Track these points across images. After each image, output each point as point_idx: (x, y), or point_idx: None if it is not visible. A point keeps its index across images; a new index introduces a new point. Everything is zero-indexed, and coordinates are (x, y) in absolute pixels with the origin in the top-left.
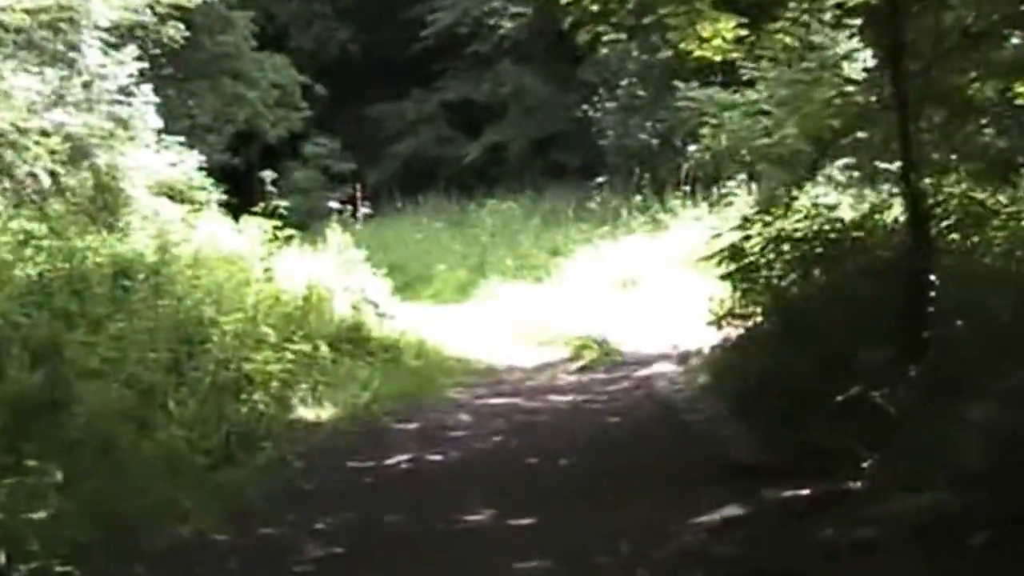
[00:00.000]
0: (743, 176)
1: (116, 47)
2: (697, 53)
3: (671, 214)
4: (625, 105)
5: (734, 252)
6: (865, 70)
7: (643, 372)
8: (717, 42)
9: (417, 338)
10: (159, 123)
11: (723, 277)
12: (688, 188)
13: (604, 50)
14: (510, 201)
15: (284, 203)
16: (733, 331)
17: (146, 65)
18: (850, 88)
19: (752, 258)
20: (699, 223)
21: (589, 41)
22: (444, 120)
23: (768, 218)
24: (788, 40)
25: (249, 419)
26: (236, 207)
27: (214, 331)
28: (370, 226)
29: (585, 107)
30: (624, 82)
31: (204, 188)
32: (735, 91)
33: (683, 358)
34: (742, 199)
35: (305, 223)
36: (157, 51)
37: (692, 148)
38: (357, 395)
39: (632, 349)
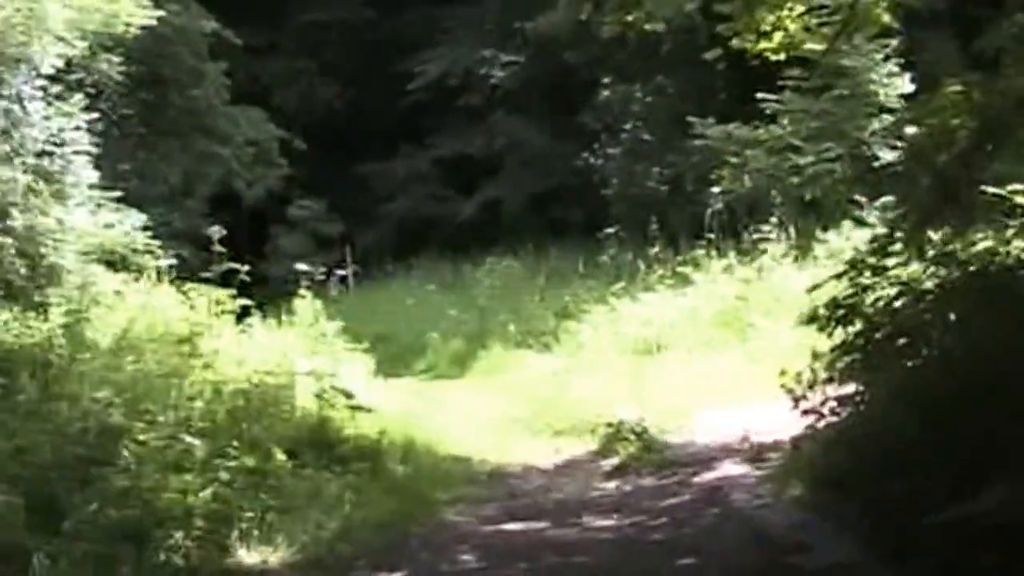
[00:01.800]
0: (775, 220)
1: (61, 97)
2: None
3: (694, 266)
4: (630, 150)
5: (845, 309)
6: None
7: (706, 477)
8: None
9: (404, 433)
10: (93, 176)
11: (838, 347)
12: (712, 236)
13: (605, 93)
14: (510, 259)
15: (239, 266)
16: (819, 413)
17: (96, 116)
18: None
19: (868, 316)
20: (728, 275)
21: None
22: (436, 178)
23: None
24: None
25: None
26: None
27: (123, 447)
28: (359, 293)
29: (586, 155)
30: (628, 126)
31: (150, 252)
32: (756, 127)
33: (756, 455)
34: (776, 245)
35: (292, 292)
36: (128, 111)
37: (715, 190)
38: (321, 526)
39: (680, 439)
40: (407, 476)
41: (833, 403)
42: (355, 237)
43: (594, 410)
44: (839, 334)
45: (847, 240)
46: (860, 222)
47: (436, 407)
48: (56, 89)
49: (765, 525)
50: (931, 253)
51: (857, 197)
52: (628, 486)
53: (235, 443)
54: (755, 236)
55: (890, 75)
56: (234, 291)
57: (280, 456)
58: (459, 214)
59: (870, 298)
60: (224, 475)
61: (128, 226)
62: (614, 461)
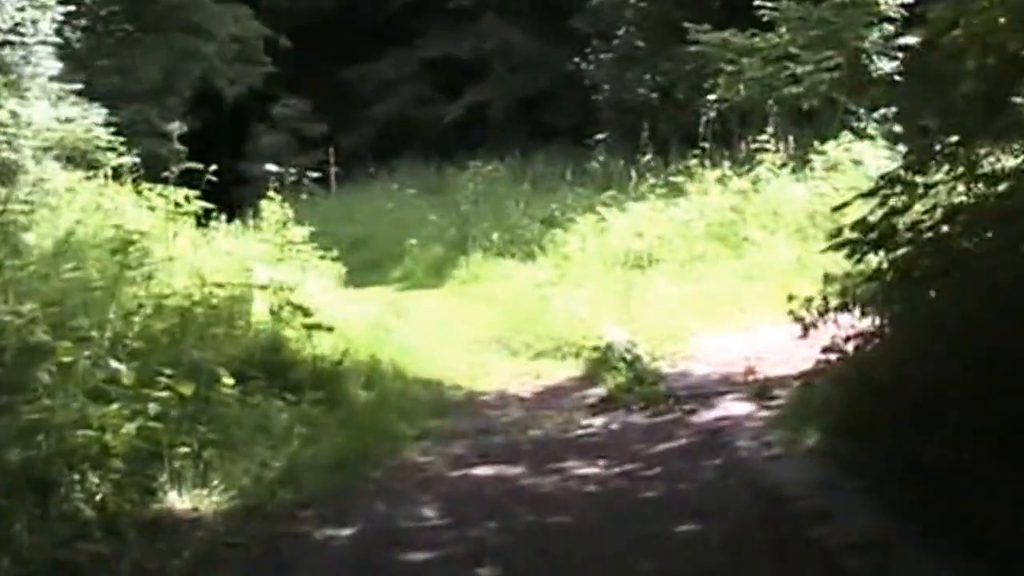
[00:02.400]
0: (770, 130)
1: None
2: None
3: (687, 176)
4: (622, 56)
5: (879, 231)
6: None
7: (705, 416)
8: None
9: (369, 353)
10: (54, 69)
11: (872, 273)
12: (706, 145)
13: None
14: (495, 164)
15: (199, 165)
16: (838, 349)
17: (72, 8)
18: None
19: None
20: (722, 186)
21: None
22: (423, 80)
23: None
24: None
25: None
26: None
27: (42, 371)
28: (339, 195)
29: (577, 60)
30: (620, 31)
31: (112, 149)
32: (753, 35)
33: (762, 390)
34: (772, 156)
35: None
36: (115, 7)
37: (711, 98)
38: (266, 464)
39: (674, 368)
40: (369, 405)
41: (852, 335)
42: (339, 138)
43: (579, 330)
44: (870, 259)
45: (845, 151)
46: (858, 133)
47: (409, 321)
48: None
49: (777, 483)
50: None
51: (854, 107)
52: (616, 424)
53: (171, 367)
54: (751, 146)
55: None
56: (195, 192)
57: (226, 381)
58: (445, 117)
59: (905, 220)
60: (152, 406)
61: (90, 121)
62: (601, 391)
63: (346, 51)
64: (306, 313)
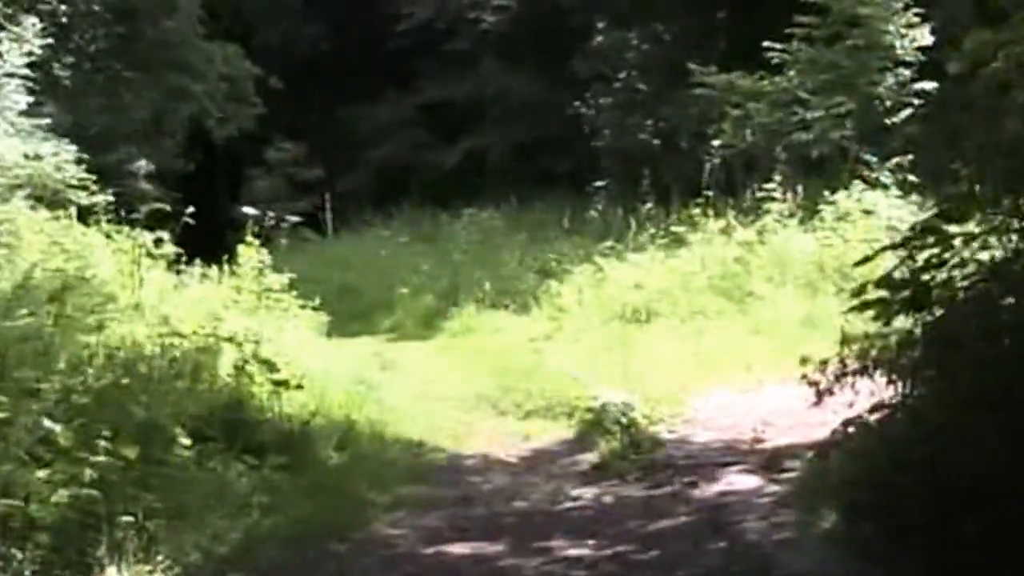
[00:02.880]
0: (777, 178)
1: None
2: None
3: (689, 226)
4: (623, 101)
5: (912, 290)
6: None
7: (708, 490)
8: None
9: (345, 411)
10: (23, 103)
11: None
12: (709, 193)
13: (599, 38)
14: (491, 212)
15: (165, 206)
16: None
17: (51, 41)
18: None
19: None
20: (726, 237)
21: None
22: (421, 124)
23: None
24: None
25: None
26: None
27: None
28: (332, 242)
29: (577, 104)
30: (622, 74)
31: (84, 187)
32: (761, 78)
33: (770, 461)
34: (779, 205)
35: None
36: (104, 45)
37: (716, 143)
38: (219, 537)
39: (674, 432)
40: (339, 469)
41: (876, 405)
42: (335, 183)
43: (573, 388)
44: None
45: (857, 202)
46: (870, 182)
47: (394, 375)
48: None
49: (789, 573)
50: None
51: (867, 156)
52: (609, 496)
53: (120, 426)
54: (757, 194)
55: (907, 26)
56: (166, 234)
57: (183, 442)
58: (442, 162)
59: (939, 276)
60: (90, 471)
61: (61, 159)
62: (593, 457)
63: (341, 94)
64: (272, 368)
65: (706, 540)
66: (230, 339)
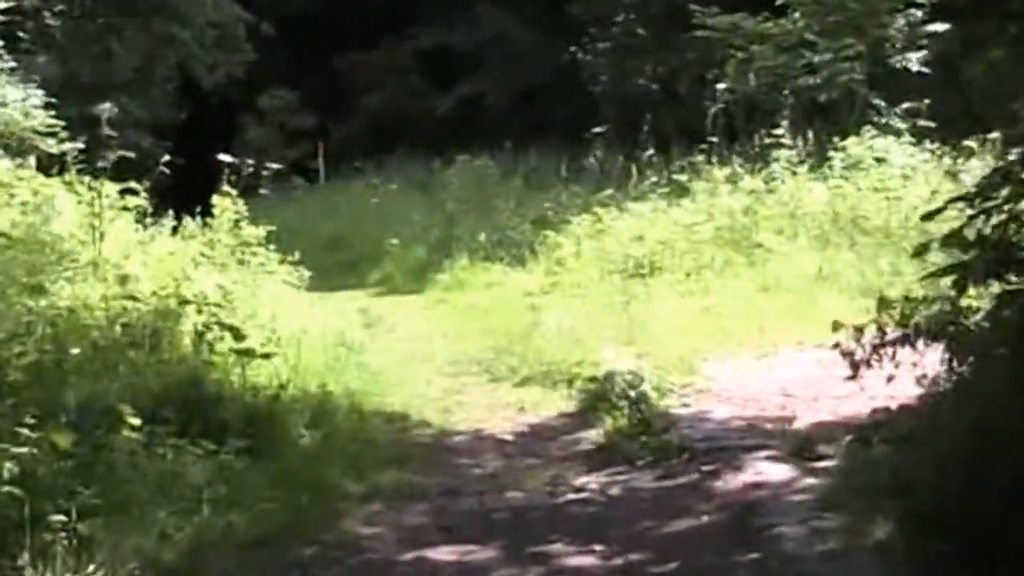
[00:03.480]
0: (785, 123)
1: None
2: None
3: (692, 174)
4: (621, 46)
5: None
6: None
7: (732, 482)
8: None
9: (320, 383)
10: None
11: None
12: (714, 140)
13: None
14: (484, 158)
15: (128, 154)
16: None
17: None
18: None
19: None
20: (731, 185)
21: None
22: (416, 71)
23: None
24: None
25: None
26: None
27: None
28: (324, 191)
29: (574, 50)
30: (619, 18)
31: (52, 135)
32: (765, 19)
33: (803, 445)
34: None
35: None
36: None
37: (720, 87)
38: (167, 537)
39: (688, 407)
40: (309, 453)
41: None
42: (329, 131)
43: (573, 351)
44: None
45: (868, 148)
46: (881, 129)
47: (380, 334)
48: None
49: None
50: None
51: (877, 101)
52: (616, 487)
53: (57, 407)
54: (765, 141)
55: None
56: (129, 185)
57: (132, 423)
58: (438, 110)
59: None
60: (10, 464)
61: (28, 104)
62: (598, 436)
63: (336, 40)
64: (238, 335)
65: (733, 549)
66: (190, 302)
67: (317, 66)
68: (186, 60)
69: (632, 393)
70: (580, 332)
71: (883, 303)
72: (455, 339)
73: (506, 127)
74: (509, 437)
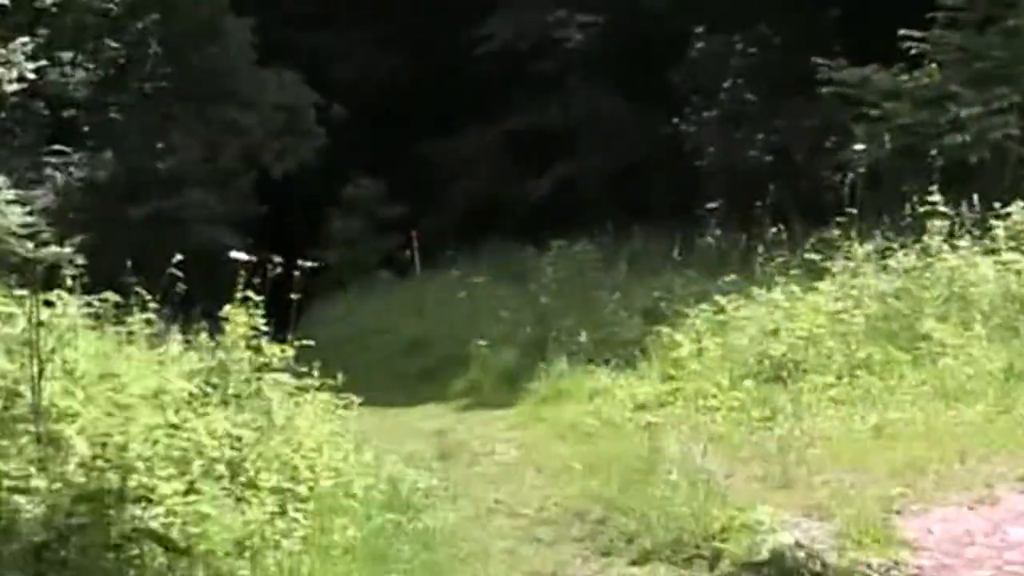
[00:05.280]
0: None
1: None
2: None
3: (830, 250)
4: (728, 114)
5: None
6: None
7: None
8: None
9: None
10: None
11: None
12: (852, 211)
13: (698, 46)
14: (584, 243)
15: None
16: None
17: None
18: None
19: None
20: (879, 264)
21: None
22: (506, 154)
23: None
24: None
25: None
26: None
27: None
28: (414, 283)
29: (676, 121)
30: (726, 84)
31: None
32: (900, 71)
33: None
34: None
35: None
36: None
37: (858, 148)
38: None
39: None
40: None
41: None
42: (419, 221)
43: (711, 504)
44: None
45: None
46: None
47: (453, 470)
48: None
49: None
50: None
51: None
52: None
53: None
54: (919, 210)
55: None
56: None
57: None
58: (531, 194)
59: None
60: None
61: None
62: None
63: (422, 126)
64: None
65: None
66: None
67: (402, 153)
68: (251, 147)
69: None
70: (716, 470)
71: None
72: (551, 478)
73: (605, 209)
74: None
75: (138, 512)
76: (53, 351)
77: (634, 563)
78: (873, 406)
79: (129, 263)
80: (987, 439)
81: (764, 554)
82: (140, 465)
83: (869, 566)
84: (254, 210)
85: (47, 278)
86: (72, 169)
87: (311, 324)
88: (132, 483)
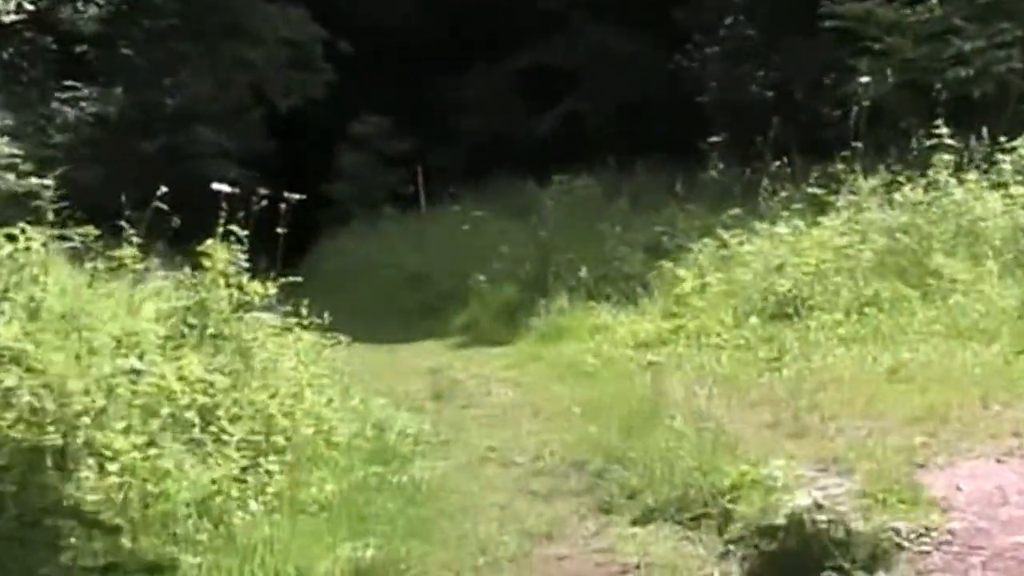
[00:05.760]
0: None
1: None
2: None
3: (834, 185)
4: (729, 50)
5: None
6: None
7: None
8: None
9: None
10: None
11: None
12: (858, 145)
13: None
14: (585, 178)
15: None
16: None
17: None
18: None
19: None
20: (879, 197)
21: None
22: (513, 92)
23: None
24: None
25: None
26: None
27: None
28: (416, 220)
29: (678, 58)
30: (728, 21)
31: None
32: (903, 4)
33: None
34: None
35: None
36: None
37: (863, 80)
38: None
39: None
40: None
41: None
42: (426, 157)
43: (719, 457)
44: None
45: None
46: None
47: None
48: None
49: None
50: None
51: None
52: None
53: None
54: (925, 143)
55: None
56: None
57: None
58: (535, 131)
59: None
60: None
61: None
62: None
63: (430, 64)
64: None
65: None
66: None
67: (410, 91)
68: (258, 82)
69: (844, 562)
70: (722, 417)
71: None
72: (549, 423)
73: (609, 144)
74: None
75: (56, 483)
76: (6, 290)
77: (636, 522)
78: (884, 345)
79: (124, 197)
80: (1008, 382)
81: (780, 518)
82: (87, 420)
83: (897, 532)
84: (264, 146)
85: (37, 211)
86: (83, 104)
87: (317, 258)
88: (80, 438)
